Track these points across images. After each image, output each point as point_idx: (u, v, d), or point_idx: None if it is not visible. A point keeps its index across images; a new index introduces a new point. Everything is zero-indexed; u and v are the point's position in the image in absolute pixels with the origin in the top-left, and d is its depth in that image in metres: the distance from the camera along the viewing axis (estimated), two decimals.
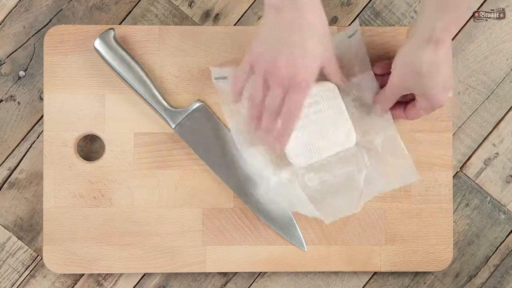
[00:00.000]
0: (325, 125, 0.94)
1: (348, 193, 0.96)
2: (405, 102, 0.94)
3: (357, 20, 0.97)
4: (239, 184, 0.97)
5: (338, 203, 0.96)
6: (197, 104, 0.97)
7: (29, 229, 1.00)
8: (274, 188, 0.96)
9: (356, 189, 0.96)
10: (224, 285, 1.01)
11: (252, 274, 1.01)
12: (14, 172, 1.01)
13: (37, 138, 1.01)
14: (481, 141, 1.03)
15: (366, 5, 1.02)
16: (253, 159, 0.96)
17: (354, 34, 0.96)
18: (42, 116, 0.99)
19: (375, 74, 0.96)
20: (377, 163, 0.96)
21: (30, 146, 1.01)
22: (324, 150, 0.94)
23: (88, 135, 0.99)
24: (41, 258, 1.00)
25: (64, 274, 1.00)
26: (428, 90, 0.87)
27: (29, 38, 1.01)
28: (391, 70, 0.90)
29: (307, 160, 0.95)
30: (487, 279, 1.02)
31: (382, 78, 0.95)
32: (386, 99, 0.93)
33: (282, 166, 0.96)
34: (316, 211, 0.94)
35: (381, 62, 0.95)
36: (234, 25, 1.02)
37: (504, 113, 1.03)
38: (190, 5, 1.02)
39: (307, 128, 0.94)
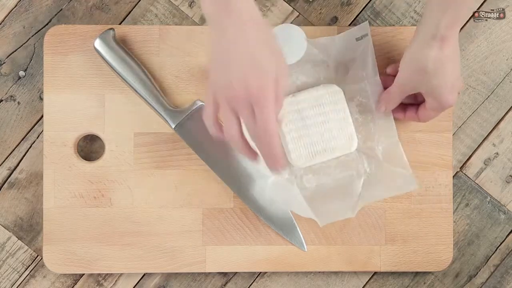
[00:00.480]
0: (327, 128, 0.94)
1: (345, 198, 0.96)
2: (417, 104, 0.94)
3: (366, 23, 0.96)
4: (239, 184, 0.97)
5: (334, 206, 0.96)
6: (197, 104, 0.97)
7: (29, 229, 1.00)
8: (271, 186, 0.96)
9: (353, 194, 0.96)
10: (224, 285, 1.01)
11: (252, 274, 1.01)
12: (14, 172, 1.01)
13: (37, 138, 1.01)
14: (481, 141, 1.03)
15: (366, 5, 1.02)
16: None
17: (363, 37, 0.96)
18: (42, 116, 0.99)
19: (387, 75, 0.96)
20: (376, 170, 0.96)
21: (30, 146, 1.01)
22: (325, 153, 0.95)
23: (88, 135, 0.99)
24: (41, 258, 1.00)
25: (64, 274, 1.00)
26: (435, 89, 0.87)
27: (29, 38, 1.01)
28: (398, 69, 0.90)
29: (307, 161, 0.95)
30: (487, 279, 1.02)
31: (387, 80, 0.95)
32: (391, 98, 0.93)
33: None
34: (311, 212, 0.94)
35: (394, 64, 0.95)
36: None
37: (504, 113, 1.03)
38: (190, 5, 1.02)
39: (309, 130, 0.94)
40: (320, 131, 0.94)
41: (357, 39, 0.95)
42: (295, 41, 0.91)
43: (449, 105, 0.89)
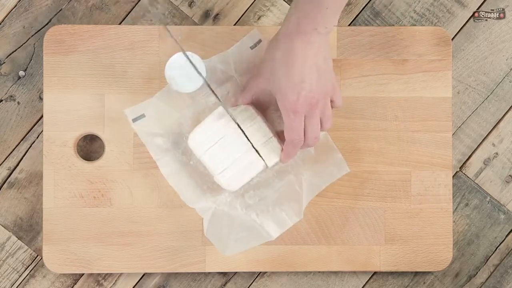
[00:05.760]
0: (246, 144, 0.91)
1: (290, 203, 0.95)
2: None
3: (256, 30, 0.95)
4: None
5: (281, 215, 0.94)
6: None
7: (29, 229, 1.00)
8: (211, 220, 0.94)
9: (296, 198, 0.94)
10: (224, 285, 1.01)
11: (252, 274, 1.01)
12: (14, 172, 1.01)
13: (37, 138, 1.01)
14: (480, 141, 1.03)
15: (366, 5, 1.02)
16: (187, 189, 0.95)
17: (256, 44, 0.95)
18: (42, 116, 0.99)
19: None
20: (312, 165, 0.95)
21: (30, 146, 1.01)
22: (252, 168, 0.91)
23: (88, 135, 0.99)
24: (41, 258, 1.00)
25: (64, 274, 1.00)
26: (277, 82, 0.85)
27: (29, 38, 1.01)
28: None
29: (238, 182, 0.91)
30: (487, 279, 1.02)
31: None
32: (288, 150, 0.91)
33: (220, 191, 0.95)
34: (261, 232, 0.93)
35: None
36: (234, 25, 1.02)
37: (503, 113, 1.03)
38: (190, 5, 1.02)
39: (231, 150, 0.90)
40: (240, 148, 0.90)
41: (251, 47, 0.95)
42: (194, 69, 0.91)
43: (292, 108, 0.84)
